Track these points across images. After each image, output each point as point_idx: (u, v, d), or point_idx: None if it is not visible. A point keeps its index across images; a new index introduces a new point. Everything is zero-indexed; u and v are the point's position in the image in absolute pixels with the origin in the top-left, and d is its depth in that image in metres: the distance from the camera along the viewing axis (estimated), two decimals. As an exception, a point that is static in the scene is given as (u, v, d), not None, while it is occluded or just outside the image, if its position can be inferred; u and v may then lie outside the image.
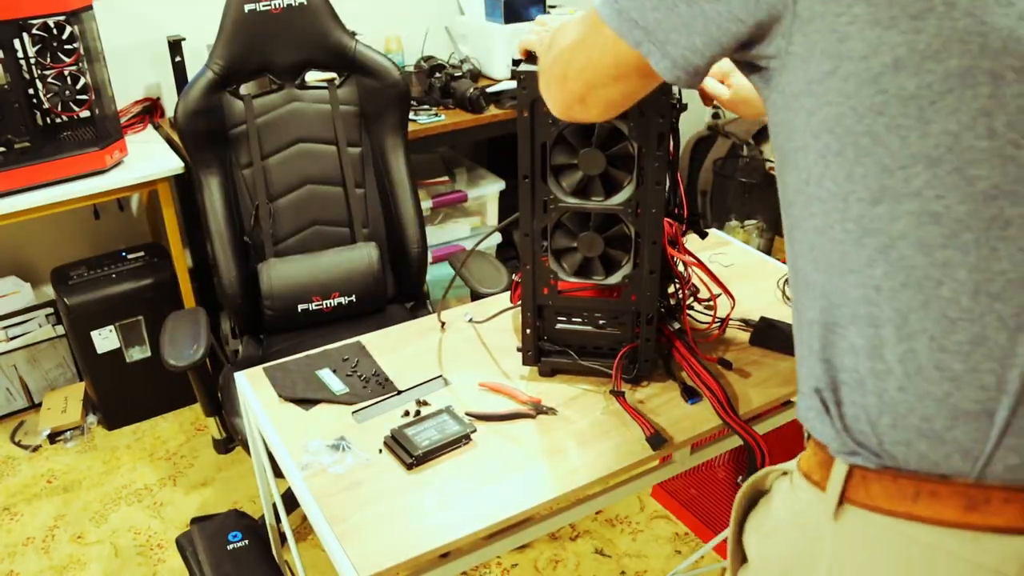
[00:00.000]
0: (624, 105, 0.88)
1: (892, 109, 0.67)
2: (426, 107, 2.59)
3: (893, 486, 0.72)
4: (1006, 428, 0.68)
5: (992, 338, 0.68)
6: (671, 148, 1.19)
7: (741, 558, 0.89)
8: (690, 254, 1.35)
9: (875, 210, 0.70)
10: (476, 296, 1.81)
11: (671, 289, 1.39)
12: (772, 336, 1.44)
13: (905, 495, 0.71)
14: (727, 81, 1.25)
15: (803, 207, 0.76)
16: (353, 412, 1.30)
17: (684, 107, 1.22)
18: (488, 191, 2.84)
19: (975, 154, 0.66)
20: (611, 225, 1.24)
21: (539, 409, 1.28)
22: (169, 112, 2.61)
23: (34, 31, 2.06)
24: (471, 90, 2.54)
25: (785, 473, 0.85)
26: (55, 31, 2.07)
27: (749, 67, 0.78)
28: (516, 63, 1.18)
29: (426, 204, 2.68)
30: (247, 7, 1.89)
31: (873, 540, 0.73)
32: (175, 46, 2.41)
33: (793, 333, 0.85)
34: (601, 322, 1.34)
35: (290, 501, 1.90)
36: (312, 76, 2.05)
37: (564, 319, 1.35)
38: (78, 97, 2.16)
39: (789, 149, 0.76)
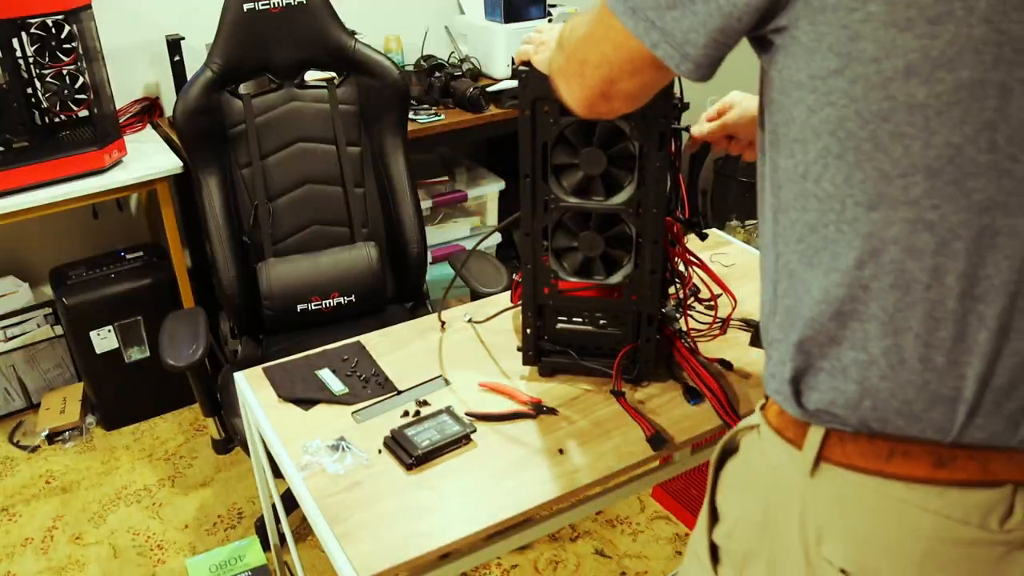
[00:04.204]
0: (646, 97, 0.85)
1: (898, 117, 0.67)
2: (426, 107, 2.58)
3: (868, 446, 0.76)
4: (976, 410, 0.72)
5: (972, 335, 0.70)
6: (672, 148, 1.19)
7: (714, 518, 0.91)
8: (691, 254, 1.35)
9: (870, 215, 0.70)
10: (476, 296, 1.81)
11: (672, 289, 1.38)
12: (773, 336, 1.44)
13: (879, 455, 0.75)
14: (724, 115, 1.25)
15: (797, 199, 0.76)
16: (353, 412, 1.30)
17: (686, 106, 1.21)
18: (488, 191, 2.84)
19: (974, 167, 0.67)
20: (612, 225, 1.23)
21: (539, 409, 1.28)
22: (168, 111, 2.61)
23: (32, 30, 2.05)
24: (471, 90, 2.54)
25: (752, 427, 0.87)
26: (54, 30, 2.07)
27: (756, 42, 0.77)
28: (516, 74, 1.17)
29: (426, 204, 2.68)
30: (246, 6, 1.89)
31: (848, 496, 0.76)
32: (174, 45, 2.41)
33: (764, 312, 0.84)
34: (602, 322, 1.34)
35: (290, 501, 1.89)
36: (311, 75, 2.04)
37: (564, 319, 1.35)
38: (77, 96, 2.16)
39: (785, 135, 0.75)
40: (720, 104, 1.27)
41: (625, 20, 0.76)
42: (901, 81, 0.66)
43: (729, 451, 0.90)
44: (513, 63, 1.20)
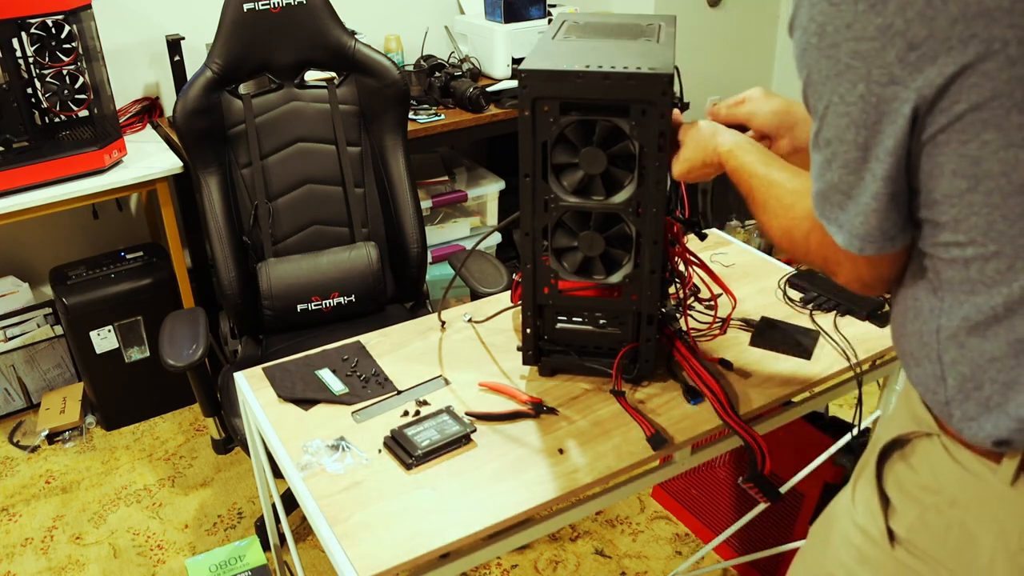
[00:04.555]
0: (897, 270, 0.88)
1: None
2: (426, 106, 2.58)
3: None
4: None
5: None
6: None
7: (886, 501, 0.92)
8: (691, 254, 1.35)
9: None
10: (476, 296, 1.81)
11: (672, 289, 1.38)
12: (773, 336, 1.44)
13: None
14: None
15: (963, 283, 0.78)
16: (353, 412, 1.30)
17: (686, 105, 1.21)
18: (488, 191, 2.84)
19: None
20: (612, 224, 1.23)
21: (539, 409, 1.28)
22: (168, 111, 2.61)
23: (33, 30, 2.05)
24: (471, 89, 2.54)
25: (928, 435, 0.87)
26: (54, 30, 2.07)
27: None
28: (516, 74, 1.15)
29: (426, 204, 2.68)
30: (246, 6, 1.89)
31: None
32: (174, 45, 2.41)
33: (928, 376, 0.85)
34: (602, 322, 1.33)
35: (290, 501, 1.90)
36: (311, 75, 2.04)
37: (564, 319, 1.35)
38: (77, 96, 2.16)
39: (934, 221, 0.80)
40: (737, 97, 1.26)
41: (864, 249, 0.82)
42: None
43: (896, 445, 0.91)
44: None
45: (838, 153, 0.80)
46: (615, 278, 1.26)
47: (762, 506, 1.87)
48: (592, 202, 1.21)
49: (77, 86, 2.15)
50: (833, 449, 1.74)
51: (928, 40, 0.70)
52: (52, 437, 2.53)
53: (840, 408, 2.53)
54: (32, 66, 2.12)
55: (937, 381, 0.83)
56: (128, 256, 2.54)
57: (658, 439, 1.20)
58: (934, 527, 0.86)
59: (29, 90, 2.15)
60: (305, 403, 1.32)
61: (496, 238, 2.97)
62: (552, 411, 1.28)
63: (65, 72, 2.12)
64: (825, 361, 1.39)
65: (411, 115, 2.46)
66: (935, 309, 0.81)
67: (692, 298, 1.53)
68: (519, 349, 1.38)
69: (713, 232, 1.84)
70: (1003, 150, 0.70)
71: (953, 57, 0.69)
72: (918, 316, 0.84)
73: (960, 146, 0.72)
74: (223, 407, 1.81)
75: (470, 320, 1.53)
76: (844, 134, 0.78)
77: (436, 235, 2.77)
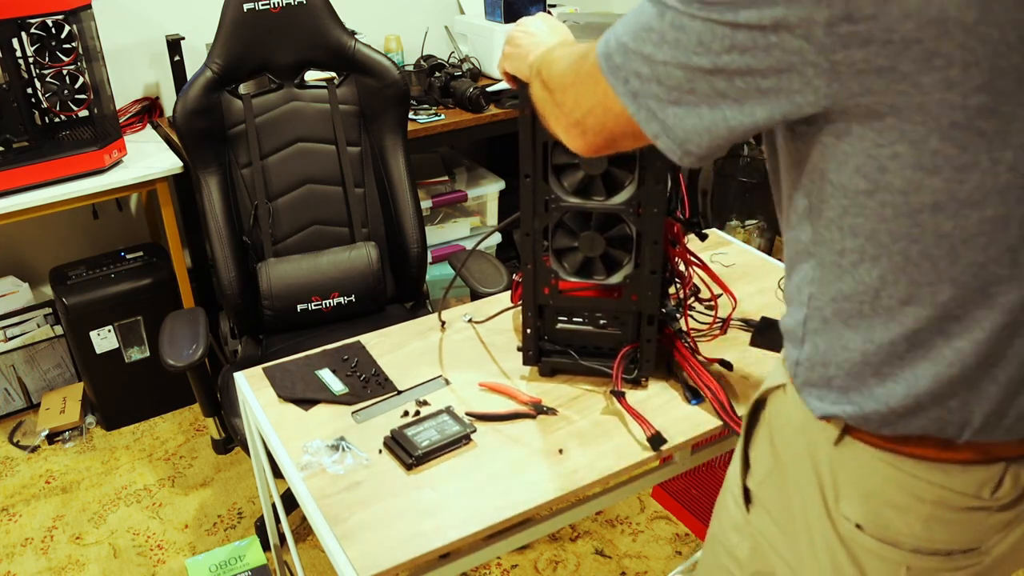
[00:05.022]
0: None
1: (927, 241, 0.70)
2: (426, 106, 2.58)
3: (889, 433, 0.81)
4: (980, 432, 0.78)
5: (986, 391, 0.77)
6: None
7: (746, 465, 0.96)
8: (691, 254, 1.35)
9: (904, 308, 0.74)
10: (476, 296, 1.81)
11: (672, 289, 1.38)
12: (773, 336, 1.44)
13: (897, 439, 0.80)
14: None
15: (832, 268, 0.78)
16: (353, 412, 1.30)
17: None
18: (488, 191, 2.84)
19: (997, 279, 0.71)
20: (612, 225, 1.23)
21: (539, 409, 1.28)
22: (168, 111, 2.61)
23: (32, 30, 2.05)
24: (471, 89, 2.54)
25: (779, 387, 0.90)
26: (54, 30, 2.07)
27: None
28: (501, 93, 1.15)
29: (426, 204, 2.68)
30: (246, 6, 1.89)
31: (866, 465, 0.81)
32: (174, 45, 2.41)
33: (793, 321, 0.85)
34: (602, 322, 1.33)
35: (289, 501, 1.90)
36: (311, 75, 2.04)
37: (565, 319, 1.35)
38: (77, 96, 2.16)
39: (816, 207, 0.77)
40: None
41: (626, 102, 0.75)
42: (929, 214, 0.69)
43: (760, 406, 0.93)
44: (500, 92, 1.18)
45: (695, 74, 0.70)
46: (615, 278, 1.26)
47: (762, 506, 1.87)
48: (592, 202, 1.21)
49: (77, 86, 2.15)
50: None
51: (870, 20, 0.61)
52: (52, 437, 2.53)
53: (840, 408, 2.53)
54: (32, 66, 2.12)
55: (796, 339, 0.84)
56: (128, 256, 2.54)
57: (658, 439, 1.20)
58: (774, 483, 0.90)
59: (29, 90, 2.15)
60: (305, 403, 1.32)
61: (496, 238, 2.97)
62: (552, 411, 1.28)
63: (65, 72, 2.12)
64: (825, 361, 1.39)
65: (411, 115, 2.46)
66: (807, 277, 0.80)
67: (692, 298, 1.53)
68: (519, 349, 1.38)
69: (713, 232, 1.84)
70: (911, 169, 0.67)
71: (888, 52, 0.62)
72: (798, 272, 0.83)
73: (873, 147, 0.68)
74: (223, 407, 1.80)
75: (470, 320, 1.53)
76: (721, 54, 0.68)
77: (436, 235, 2.77)
